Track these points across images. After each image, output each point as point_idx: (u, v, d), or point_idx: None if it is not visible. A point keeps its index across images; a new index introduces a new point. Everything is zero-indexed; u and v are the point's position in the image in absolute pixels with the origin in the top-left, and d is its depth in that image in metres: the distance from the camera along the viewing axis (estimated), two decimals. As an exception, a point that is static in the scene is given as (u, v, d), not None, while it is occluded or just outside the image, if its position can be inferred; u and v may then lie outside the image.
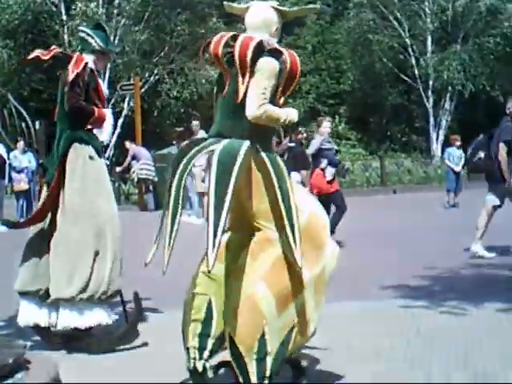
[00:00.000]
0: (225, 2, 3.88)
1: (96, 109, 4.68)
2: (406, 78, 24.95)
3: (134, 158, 15.77)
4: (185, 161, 3.43)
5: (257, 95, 3.36)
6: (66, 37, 20.92)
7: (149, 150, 16.33)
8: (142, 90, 20.33)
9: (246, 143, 3.36)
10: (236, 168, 3.27)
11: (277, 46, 3.51)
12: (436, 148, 24.15)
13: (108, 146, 14.12)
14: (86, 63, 4.66)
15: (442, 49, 24.24)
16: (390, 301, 5.51)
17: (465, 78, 23.80)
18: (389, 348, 4.20)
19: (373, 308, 5.23)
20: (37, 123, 19.90)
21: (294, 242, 3.27)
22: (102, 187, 4.61)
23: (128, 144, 16.02)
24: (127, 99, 20.71)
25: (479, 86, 23.97)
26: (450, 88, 24.03)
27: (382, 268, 6.85)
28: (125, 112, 20.88)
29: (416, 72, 24.30)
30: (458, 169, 14.55)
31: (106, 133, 4.89)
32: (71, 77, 4.57)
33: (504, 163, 7.55)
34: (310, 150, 9.24)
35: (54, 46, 5.02)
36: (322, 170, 9.00)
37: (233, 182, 3.25)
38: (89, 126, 4.73)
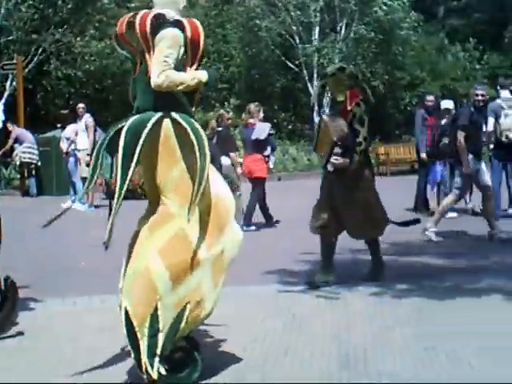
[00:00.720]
0: None
1: None
2: (292, 66, 25.36)
3: (16, 140, 15.26)
4: (101, 139, 3.60)
5: (158, 63, 3.41)
6: None
7: (32, 132, 15.85)
8: (26, 69, 19.66)
9: (158, 114, 3.43)
10: (143, 136, 3.35)
11: (177, 17, 3.56)
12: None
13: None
14: None
15: (325, 37, 24.77)
16: (270, 286, 5.76)
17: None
18: (264, 333, 4.39)
19: (252, 293, 5.45)
20: None
21: (195, 196, 3.29)
22: None
23: (10, 126, 15.48)
24: (9, 79, 19.97)
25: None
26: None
27: (265, 253, 7.10)
28: (7, 92, 20.13)
29: (301, 60, 24.71)
30: None
31: None
32: None
33: (462, 150, 7.82)
34: (262, 136, 9.48)
35: None
36: (267, 156, 9.55)
37: (138, 151, 3.33)
38: None
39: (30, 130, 15.87)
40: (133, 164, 3.35)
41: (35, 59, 20.92)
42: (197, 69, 3.60)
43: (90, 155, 11.79)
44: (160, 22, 3.48)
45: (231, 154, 9.56)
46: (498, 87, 9.53)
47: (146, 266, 3.32)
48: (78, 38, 21.63)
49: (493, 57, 28.26)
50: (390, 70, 25.89)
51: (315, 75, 24.68)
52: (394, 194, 11.18)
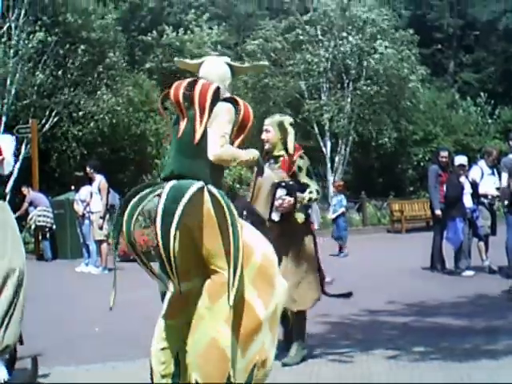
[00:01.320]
0: (176, 59, 4.24)
1: None
2: (303, 124, 25.58)
3: (31, 204, 15.31)
4: (135, 200, 3.59)
5: (219, 136, 3.57)
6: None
7: (47, 195, 15.94)
8: (41, 132, 19.94)
9: (198, 183, 3.50)
10: (180, 207, 3.38)
11: (232, 95, 3.80)
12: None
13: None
14: None
15: (333, 95, 25.03)
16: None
17: (352, 125, 24.57)
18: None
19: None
20: None
21: (233, 283, 3.35)
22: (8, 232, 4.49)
23: (25, 190, 15.60)
24: (24, 142, 20.24)
25: (367, 132, 24.83)
26: (343, 134, 24.71)
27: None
28: (22, 156, 20.38)
29: (311, 117, 24.90)
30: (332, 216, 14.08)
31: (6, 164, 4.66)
32: None
33: None
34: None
35: None
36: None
37: (176, 221, 3.36)
38: None
39: (44, 193, 15.96)
40: (172, 230, 3.37)
41: (49, 122, 21.26)
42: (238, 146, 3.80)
43: (103, 217, 11.88)
44: (218, 96, 3.68)
45: None
46: (511, 142, 9.47)
47: (214, 337, 3.40)
48: (90, 97, 21.94)
49: (504, 111, 28.39)
50: (401, 124, 26.02)
51: (327, 132, 24.85)
52: (410, 251, 11.16)
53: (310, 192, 5.08)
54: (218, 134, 3.56)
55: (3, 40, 20.32)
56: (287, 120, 5.31)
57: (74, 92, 21.65)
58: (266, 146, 5.23)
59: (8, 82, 19.85)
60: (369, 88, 24.06)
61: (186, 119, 3.65)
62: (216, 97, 3.65)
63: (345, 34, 24.15)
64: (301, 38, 25.00)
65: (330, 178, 24.62)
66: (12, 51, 20.24)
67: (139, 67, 25.96)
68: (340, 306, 7.22)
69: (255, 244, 3.59)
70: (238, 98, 3.74)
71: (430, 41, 34.37)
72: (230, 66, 3.90)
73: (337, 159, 24.92)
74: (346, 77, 24.64)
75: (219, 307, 3.43)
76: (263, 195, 4.88)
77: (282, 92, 25.34)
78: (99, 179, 12.23)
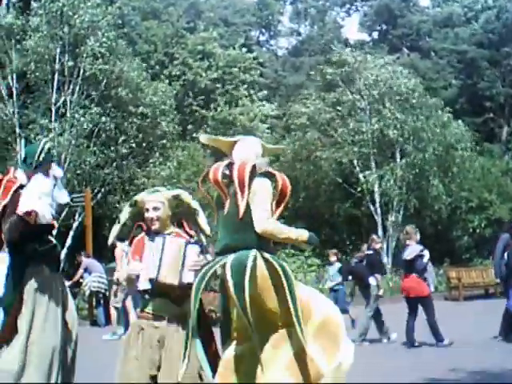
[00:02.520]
0: (203, 135, 4.50)
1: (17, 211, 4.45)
2: (354, 192, 25.52)
3: (85, 270, 15.43)
4: (198, 278, 3.92)
5: (262, 211, 3.84)
6: (18, 149, 20.86)
7: (101, 262, 16.05)
8: (94, 201, 20.24)
9: (252, 252, 3.80)
10: (246, 278, 3.69)
11: (269, 169, 4.06)
12: (387, 260, 24.38)
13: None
14: (17, 188, 4.60)
15: (383, 164, 25.06)
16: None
17: (405, 194, 24.54)
18: None
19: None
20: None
21: (300, 327, 3.62)
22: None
23: (80, 257, 15.73)
24: (78, 211, 20.55)
25: (421, 200, 24.76)
26: (394, 202, 24.64)
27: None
28: (76, 224, 20.66)
29: (363, 187, 24.91)
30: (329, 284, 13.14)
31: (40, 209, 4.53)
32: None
33: None
34: (409, 256, 9.85)
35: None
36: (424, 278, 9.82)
37: (247, 291, 3.66)
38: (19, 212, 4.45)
39: (98, 260, 16.07)
40: (247, 302, 3.67)
41: (102, 191, 21.62)
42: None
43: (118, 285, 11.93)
44: (255, 172, 3.95)
45: (377, 276, 10.48)
46: None
47: (277, 380, 3.63)
48: (141, 169, 22.31)
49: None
50: (454, 191, 25.80)
51: (377, 199, 24.76)
52: (472, 319, 10.70)
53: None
54: (261, 209, 3.84)
55: (59, 114, 20.98)
56: (184, 194, 4.56)
57: (126, 163, 22.07)
58: (156, 226, 4.35)
59: (63, 156, 20.30)
60: (416, 157, 24.12)
61: (227, 197, 3.96)
62: (253, 173, 3.92)
63: (391, 106, 24.46)
64: (348, 109, 25.35)
65: (383, 244, 24.31)
66: (67, 125, 20.80)
67: (191, 137, 26.41)
68: (403, 374, 6.92)
69: (313, 303, 3.83)
70: (274, 171, 4.04)
71: (481, 109, 34.33)
72: (262, 145, 4.28)
73: (389, 226, 24.66)
74: (396, 146, 24.71)
75: (281, 352, 3.68)
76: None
77: (333, 163, 25.43)
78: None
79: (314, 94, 27.23)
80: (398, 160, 24.75)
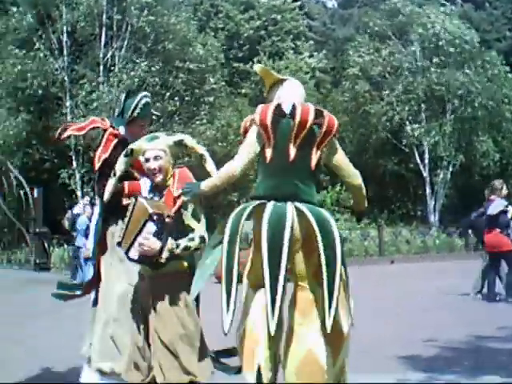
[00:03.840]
0: (257, 66, 4.15)
1: (126, 183, 4.32)
2: (402, 148, 25.22)
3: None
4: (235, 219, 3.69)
5: (350, 164, 3.86)
6: (68, 104, 21.14)
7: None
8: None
9: (327, 212, 3.71)
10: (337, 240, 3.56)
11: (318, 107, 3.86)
12: (434, 217, 24.18)
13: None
14: (116, 143, 4.49)
15: (432, 120, 24.63)
16: (386, 375, 5.42)
17: (454, 149, 24.16)
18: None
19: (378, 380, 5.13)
20: (35, 191, 20.05)
21: (330, 306, 3.46)
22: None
23: None
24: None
25: (470, 156, 24.36)
26: (444, 158, 24.30)
27: (380, 340, 6.76)
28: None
29: (411, 142, 24.59)
30: None
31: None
32: (97, 166, 4.47)
33: None
34: (494, 211, 9.71)
35: (91, 119, 4.81)
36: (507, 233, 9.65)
37: (286, 243, 3.49)
38: (124, 202, 4.24)
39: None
40: (285, 250, 3.50)
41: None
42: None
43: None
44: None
45: None
46: None
47: (311, 348, 3.54)
48: (185, 128, 22.27)
49: None
50: (505, 146, 25.31)
51: (426, 155, 24.44)
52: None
53: (191, 239, 3.71)
54: (349, 163, 3.85)
55: (106, 68, 21.11)
56: (188, 138, 4.05)
57: (171, 121, 22.07)
58: (159, 178, 3.87)
59: (111, 111, 20.47)
60: (466, 112, 23.65)
61: (272, 143, 3.70)
62: (316, 117, 3.72)
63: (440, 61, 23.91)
64: (399, 63, 24.84)
65: (431, 201, 24.11)
66: (116, 80, 20.91)
67: (238, 93, 26.29)
68: (447, 331, 6.95)
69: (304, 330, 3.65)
70: (322, 110, 3.79)
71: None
72: None
73: (437, 183, 24.38)
74: (447, 101, 24.23)
75: (311, 321, 3.58)
76: (136, 223, 3.71)
77: (383, 118, 25.07)
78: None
79: (365, 44, 26.69)
80: (448, 115, 24.30)
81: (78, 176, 20.51)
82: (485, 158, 24.54)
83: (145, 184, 4.15)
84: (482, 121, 24.28)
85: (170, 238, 3.64)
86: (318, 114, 3.72)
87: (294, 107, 3.72)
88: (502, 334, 6.89)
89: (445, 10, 25.73)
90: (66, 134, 4.72)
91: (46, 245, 18.05)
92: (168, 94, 22.09)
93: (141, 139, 3.99)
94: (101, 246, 4.61)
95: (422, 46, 24.43)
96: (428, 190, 24.34)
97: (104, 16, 21.07)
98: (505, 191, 9.89)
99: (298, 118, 3.66)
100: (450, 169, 24.46)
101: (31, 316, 9.01)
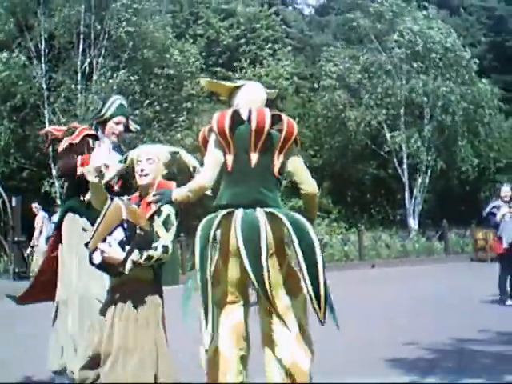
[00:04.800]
0: (202, 79, 4.18)
1: (80, 157, 4.50)
2: (381, 153, 25.37)
3: None
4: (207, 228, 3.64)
5: (307, 172, 3.83)
6: (45, 112, 20.97)
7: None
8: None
9: (295, 213, 3.68)
10: (315, 238, 3.54)
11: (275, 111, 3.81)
12: (413, 221, 24.34)
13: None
14: (87, 134, 4.65)
15: (411, 125, 24.79)
16: (371, 376, 5.45)
17: (433, 155, 24.36)
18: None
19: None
20: (13, 200, 19.88)
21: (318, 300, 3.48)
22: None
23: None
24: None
25: (449, 162, 24.59)
26: (422, 163, 24.47)
27: (366, 343, 6.80)
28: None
29: (390, 148, 24.74)
30: None
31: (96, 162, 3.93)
32: (60, 148, 4.60)
33: None
34: (484, 213, 10.09)
35: (73, 125, 4.97)
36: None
37: (264, 245, 3.46)
38: (82, 171, 4.20)
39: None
40: (263, 257, 3.46)
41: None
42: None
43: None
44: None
45: None
46: None
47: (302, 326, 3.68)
48: (163, 135, 22.14)
49: None
50: (482, 151, 25.57)
51: (405, 160, 24.62)
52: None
53: (154, 248, 3.56)
54: (306, 170, 3.83)
55: (85, 76, 21.00)
56: (183, 152, 4.05)
57: (150, 128, 21.96)
58: (144, 181, 3.81)
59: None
60: (446, 118, 23.85)
61: (233, 149, 3.65)
62: (273, 122, 3.69)
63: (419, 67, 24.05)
64: (379, 69, 24.93)
65: (410, 205, 24.32)
66: (94, 88, 20.81)
67: (217, 99, 26.26)
68: (429, 335, 6.99)
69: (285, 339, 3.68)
70: (282, 114, 3.76)
71: (510, 67, 33.66)
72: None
73: (416, 188, 24.57)
74: (424, 107, 24.40)
75: (299, 302, 3.65)
76: (108, 224, 3.56)
77: (361, 124, 25.16)
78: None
79: (342, 51, 26.75)
80: (426, 121, 24.50)
81: (57, 185, 20.37)
82: (463, 162, 24.77)
83: (105, 145, 4.09)
84: (461, 126, 24.48)
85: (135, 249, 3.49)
86: (276, 119, 3.69)
87: (250, 112, 3.67)
88: (485, 337, 6.95)
89: (427, 13, 25.77)
90: (44, 131, 4.85)
91: (24, 253, 17.88)
92: (147, 101, 22.02)
93: (138, 147, 3.99)
94: (57, 236, 4.62)
95: (401, 51, 24.50)
96: (407, 195, 24.51)
97: (82, 24, 20.97)
98: (503, 193, 10.01)
99: (254, 123, 3.61)
100: (429, 173, 24.64)
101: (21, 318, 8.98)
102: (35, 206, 14.63)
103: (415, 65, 24.26)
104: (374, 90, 24.96)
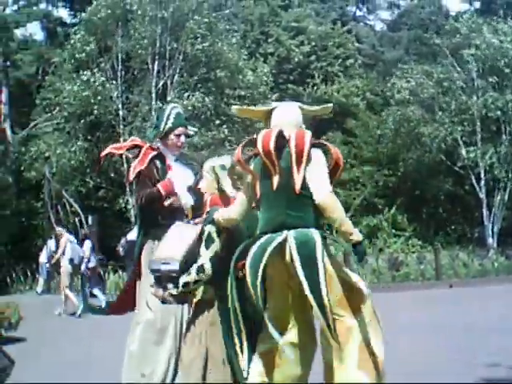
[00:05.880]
0: (234, 107, 4.21)
1: (159, 185, 4.56)
2: (457, 169, 24.76)
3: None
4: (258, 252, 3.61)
5: (325, 182, 3.58)
6: (120, 130, 21.40)
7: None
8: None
9: (315, 231, 3.55)
10: (319, 253, 3.47)
11: (321, 140, 3.89)
12: (492, 239, 23.60)
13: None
14: (153, 156, 4.65)
15: (487, 141, 24.08)
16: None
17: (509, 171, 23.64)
18: None
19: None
20: (90, 219, 20.47)
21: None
22: None
23: None
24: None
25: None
26: (500, 180, 23.75)
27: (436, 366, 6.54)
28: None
29: (466, 163, 24.11)
30: None
31: (183, 196, 4.59)
32: (131, 176, 4.64)
33: None
34: None
35: (131, 139, 5.04)
36: None
37: (322, 271, 3.43)
38: (166, 203, 4.54)
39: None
40: (322, 278, 3.45)
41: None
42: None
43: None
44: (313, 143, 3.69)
45: None
46: None
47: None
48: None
49: None
50: None
51: (482, 176, 23.94)
52: None
53: (188, 273, 3.75)
54: (323, 180, 3.59)
55: (158, 96, 21.37)
56: (223, 161, 4.34)
57: (222, 148, 22.06)
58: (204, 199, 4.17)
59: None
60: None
61: (277, 170, 3.63)
62: (312, 144, 3.66)
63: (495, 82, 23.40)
64: (453, 83, 24.38)
65: (489, 223, 23.61)
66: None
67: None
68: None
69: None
70: (327, 143, 3.79)
71: None
72: (301, 109, 3.90)
73: (495, 205, 23.84)
74: (502, 123, 23.70)
75: (348, 354, 3.51)
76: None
77: (436, 139, 24.62)
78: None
79: (415, 67, 26.34)
80: (504, 136, 23.78)
81: (131, 203, 20.75)
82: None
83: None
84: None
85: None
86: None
87: (281, 133, 3.71)
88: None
89: (502, 28, 25.08)
90: (104, 152, 4.87)
91: (101, 272, 18.21)
92: (218, 121, 22.19)
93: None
94: (137, 270, 4.65)
95: (477, 66, 23.90)
96: (485, 212, 23.80)
97: (157, 45, 21.38)
98: None
99: (292, 148, 3.61)
100: (508, 190, 23.88)
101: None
102: (58, 229, 15.51)
103: (490, 79, 23.58)
104: (447, 106, 24.42)
